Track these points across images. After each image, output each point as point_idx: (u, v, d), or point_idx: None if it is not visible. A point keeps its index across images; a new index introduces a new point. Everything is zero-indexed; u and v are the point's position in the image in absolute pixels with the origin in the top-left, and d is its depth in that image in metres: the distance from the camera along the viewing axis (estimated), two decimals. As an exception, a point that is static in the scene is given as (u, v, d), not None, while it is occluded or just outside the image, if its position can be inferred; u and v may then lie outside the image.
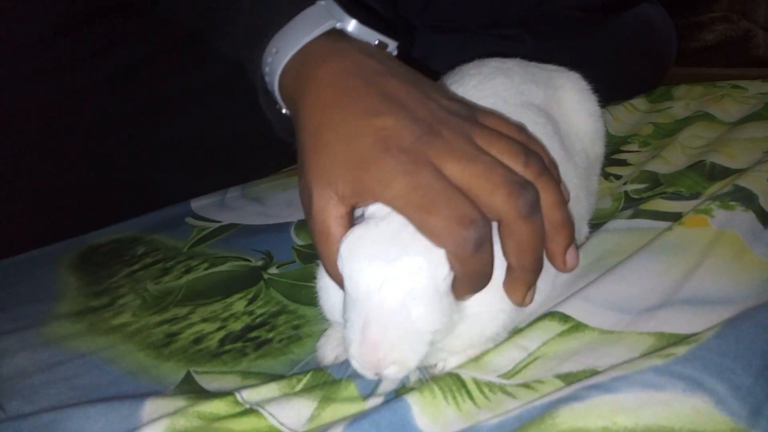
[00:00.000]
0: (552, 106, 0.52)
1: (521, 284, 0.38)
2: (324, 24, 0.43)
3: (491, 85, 0.49)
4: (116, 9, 0.68)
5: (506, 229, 0.37)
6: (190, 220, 0.68)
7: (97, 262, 0.62)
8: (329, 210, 0.38)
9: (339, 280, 0.37)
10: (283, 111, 0.46)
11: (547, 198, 0.38)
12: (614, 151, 0.73)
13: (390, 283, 0.34)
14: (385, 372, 0.34)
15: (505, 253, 0.38)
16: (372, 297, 0.34)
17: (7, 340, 0.49)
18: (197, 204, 0.72)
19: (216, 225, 0.66)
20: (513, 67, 0.52)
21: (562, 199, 0.39)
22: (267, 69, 0.45)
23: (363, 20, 0.44)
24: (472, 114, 0.41)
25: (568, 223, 0.39)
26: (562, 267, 0.40)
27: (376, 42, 0.44)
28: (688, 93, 0.90)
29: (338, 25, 0.43)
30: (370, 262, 0.34)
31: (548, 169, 0.39)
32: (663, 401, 0.31)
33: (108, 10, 0.68)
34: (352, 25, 0.44)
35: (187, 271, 0.58)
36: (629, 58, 0.96)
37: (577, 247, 0.41)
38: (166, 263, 0.60)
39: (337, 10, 0.44)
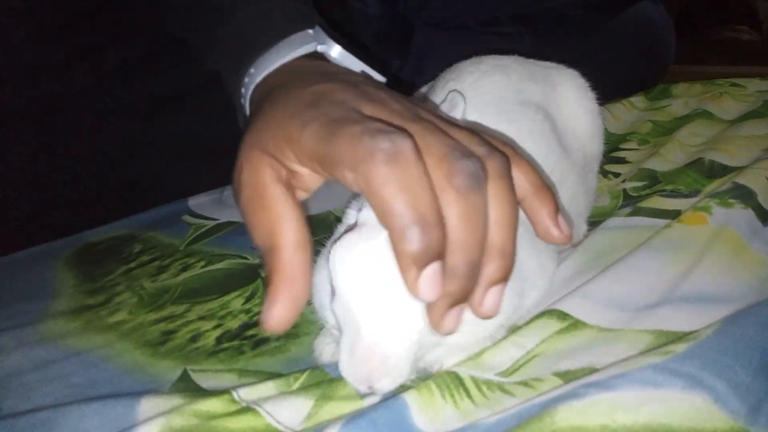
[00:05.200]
0: (550, 103, 0.52)
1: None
2: (305, 46, 0.40)
3: (489, 82, 0.49)
4: (113, 6, 0.68)
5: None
6: (187, 217, 0.68)
7: (94, 260, 0.61)
8: (261, 169, 0.33)
9: (272, 263, 0.32)
10: None
11: (493, 214, 0.31)
12: (613, 148, 0.73)
13: (380, 298, 0.33)
14: (377, 386, 0.34)
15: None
16: (362, 312, 0.34)
17: (3, 338, 0.49)
18: (194, 202, 0.71)
19: (213, 223, 0.66)
20: (511, 64, 0.52)
21: (512, 219, 0.31)
22: (243, 90, 0.42)
23: (350, 48, 0.41)
24: (438, 121, 0.34)
25: (505, 253, 0.32)
26: (477, 306, 0.32)
27: (360, 71, 0.41)
28: (687, 91, 0.89)
29: (320, 48, 0.40)
30: (361, 276, 0.33)
31: (510, 175, 0.32)
32: (662, 399, 0.31)
33: (105, 8, 0.68)
34: (336, 51, 0.40)
35: (184, 269, 0.57)
36: (628, 55, 0.96)
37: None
38: (163, 261, 0.59)
39: (323, 36, 0.41)
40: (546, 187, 0.34)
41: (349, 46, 0.41)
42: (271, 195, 0.32)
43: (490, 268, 0.31)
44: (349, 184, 0.30)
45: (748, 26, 2.08)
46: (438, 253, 0.29)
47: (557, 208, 0.33)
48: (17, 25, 0.64)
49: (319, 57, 0.40)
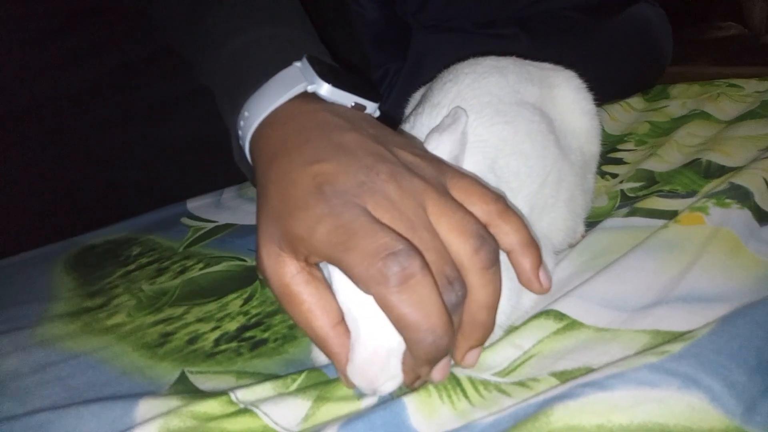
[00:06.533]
0: (547, 104, 0.52)
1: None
2: (295, 87, 0.41)
3: (486, 83, 0.49)
4: (113, 9, 0.68)
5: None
6: (185, 220, 0.68)
7: (92, 263, 0.61)
8: (281, 268, 0.35)
9: (324, 349, 0.35)
10: None
11: (479, 297, 0.35)
12: (610, 149, 0.73)
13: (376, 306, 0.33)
14: (381, 389, 0.35)
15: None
16: (361, 312, 0.34)
17: (1, 341, 0.49)
18: (193, 204, 0.71)
19: (212, 225, 0.66)
20: (508, 65, 0.52)
21: (495, 302, 0.35)
22: (240, 132, 0.43)
23: (339, 82, 0.41)
24: (438, 177, 0.37)
25: (487, 328, 0.36)
26: (459, 362, 0.37)
27: (352, 104, 0.42)
28: (685, 92, 0.90)
29: (310, 89, 0.41)
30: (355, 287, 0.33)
31: (497, 262, 0.35)
32: (658, 398, 0.31)
33: (105, 10, 0.68)
34: (325, 89, 0.41)
35: (183, 272, 0.57)
36: (626, 56, 0.96)
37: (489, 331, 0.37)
38: (162, 263, 0.59)
39: (311, 73, 0.41)
40: (532, 241, 0.37)
41: (338, 77, 0.41)
42: (297, 293, 0.35)
43: (474, 337, 0.36)
44: (362, 290, 0.33)
45: (733, 21, 2.08)
46: (446, 352, 0.34)
47: (539, 263, 0.37)
48: (14, 28, 0.64)
49: (310, 95, 0.41)
